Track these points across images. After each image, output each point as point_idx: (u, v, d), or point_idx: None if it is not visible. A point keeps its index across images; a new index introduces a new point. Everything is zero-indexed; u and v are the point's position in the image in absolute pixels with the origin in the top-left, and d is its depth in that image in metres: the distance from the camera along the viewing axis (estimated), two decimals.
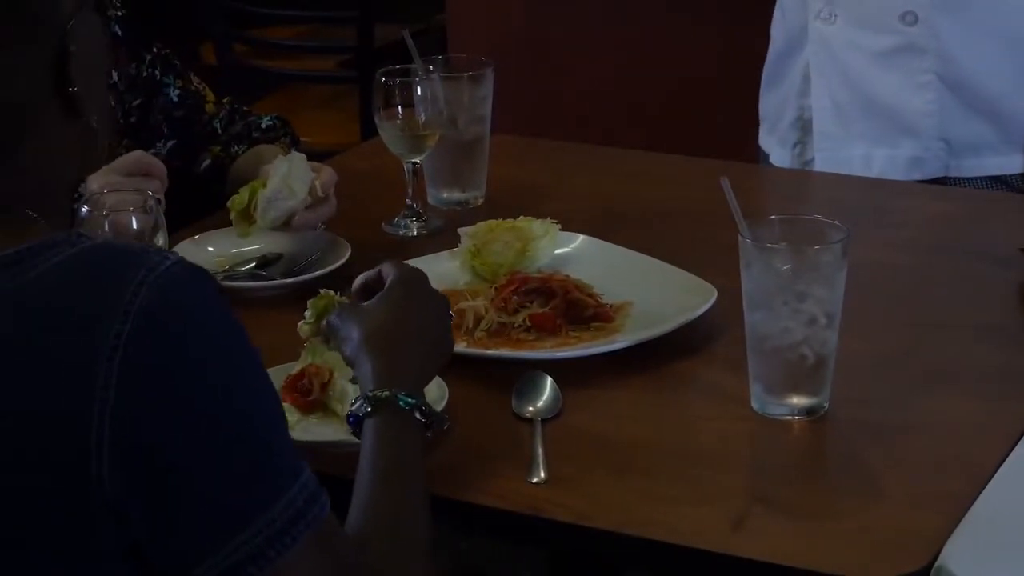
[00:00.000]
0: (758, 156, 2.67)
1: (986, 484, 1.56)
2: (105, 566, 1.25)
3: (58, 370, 1.22)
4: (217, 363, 1.26)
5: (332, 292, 1.72)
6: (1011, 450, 1.63)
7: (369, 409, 1.50)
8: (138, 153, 2.08)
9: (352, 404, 1.53)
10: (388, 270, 1.66)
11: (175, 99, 2.31)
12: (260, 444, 1.28)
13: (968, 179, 2.47)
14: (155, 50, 2.31)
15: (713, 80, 3.52)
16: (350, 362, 1.60)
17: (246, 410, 1.27)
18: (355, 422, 1.51)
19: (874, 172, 2.47)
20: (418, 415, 1.52)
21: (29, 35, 1.31)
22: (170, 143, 2.31)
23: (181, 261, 1.27)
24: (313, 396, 1.73)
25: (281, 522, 1.27)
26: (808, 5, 2.49)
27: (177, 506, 1.24)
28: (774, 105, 2.62)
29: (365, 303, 1.63)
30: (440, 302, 1.67)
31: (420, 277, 1.67)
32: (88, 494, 1.22)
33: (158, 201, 1.90)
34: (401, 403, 1.51)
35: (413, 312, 1.62)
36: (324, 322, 1.66)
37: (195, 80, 2.36)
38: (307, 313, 1.70)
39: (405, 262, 1.70)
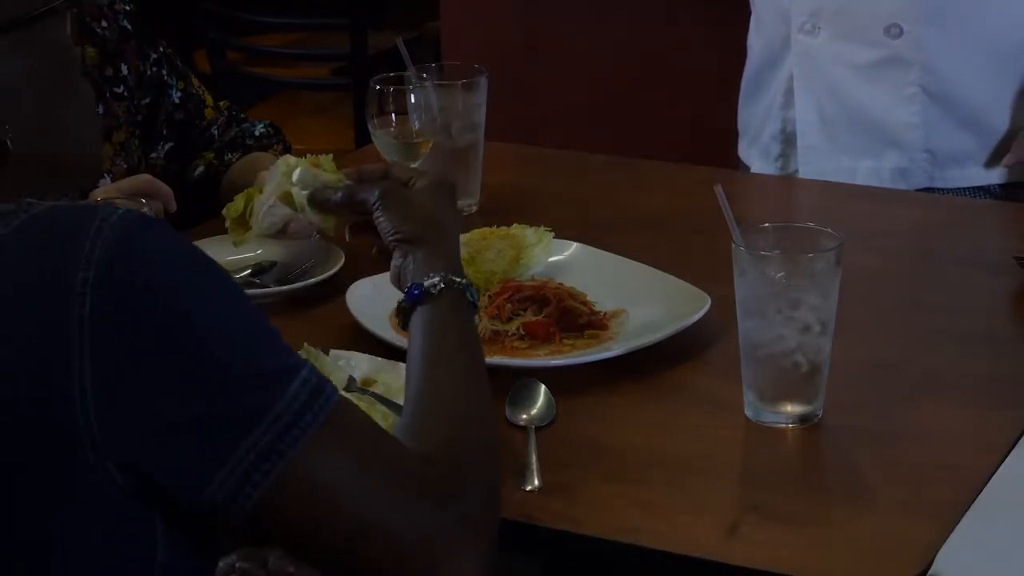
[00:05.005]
0: (739, 167, 2.68)
1: (979, 492, 1.56)
2: (109, 507, 1.26)
3: (32, 326, 1.24)
4: (184, 288, 1.27)
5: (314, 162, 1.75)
6: (1004, 458, 1.63)
7: (442, 286, 1.53)
8: (146, 177, 2.09)
9: (414, 279, 1.54)
10: (400, 171, 1.69)
11: (176, 101, 2.32)
12: (244, 354, 1.28)
13: (952, 189, 2.47)
14: (161, 49, 2.31)
15: (706, 87, 3.52)
16: (407, 237, 1.60)
17: (222, 326, 1.28)
18: (419, 293, 1.53)
19: (858, 184, 2.47)
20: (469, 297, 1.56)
21: None
22: (168, 145, 2.31)
23: (131, 210, 1.29)
24: None
25: (288, 416, 1.27)
26: (791, 18, 2.49)
27: (171, 435, 1.25)
28: (755, 117, 2.63)
29: (414, 189, 1.66)
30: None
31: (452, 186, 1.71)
32: (77, 442, 1.23)
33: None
34: (468, 295, 1.55)
35: (454, 211, 1.67)
36: (347, 195, 1.69)
37: (196, 83, 2.37)
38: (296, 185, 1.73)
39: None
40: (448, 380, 1.47)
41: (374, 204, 1.65)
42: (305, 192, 1.85)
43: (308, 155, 1.93)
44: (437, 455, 1.37)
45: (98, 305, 1.23)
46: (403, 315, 1.55)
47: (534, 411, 1.73)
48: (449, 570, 1.32)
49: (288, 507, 1.28)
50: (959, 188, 2.47)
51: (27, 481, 1.25)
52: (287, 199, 1.96)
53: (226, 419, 1.26)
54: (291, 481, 1.27)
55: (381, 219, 1.64)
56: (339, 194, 1.74)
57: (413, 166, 2.20)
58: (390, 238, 1.63)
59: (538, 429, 1.70)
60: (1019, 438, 1.66)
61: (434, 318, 1.52)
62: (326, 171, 1.89)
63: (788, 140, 2.56)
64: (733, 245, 1.69)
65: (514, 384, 1.75)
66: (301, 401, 1.28)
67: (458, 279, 1.55)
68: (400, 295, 1.59)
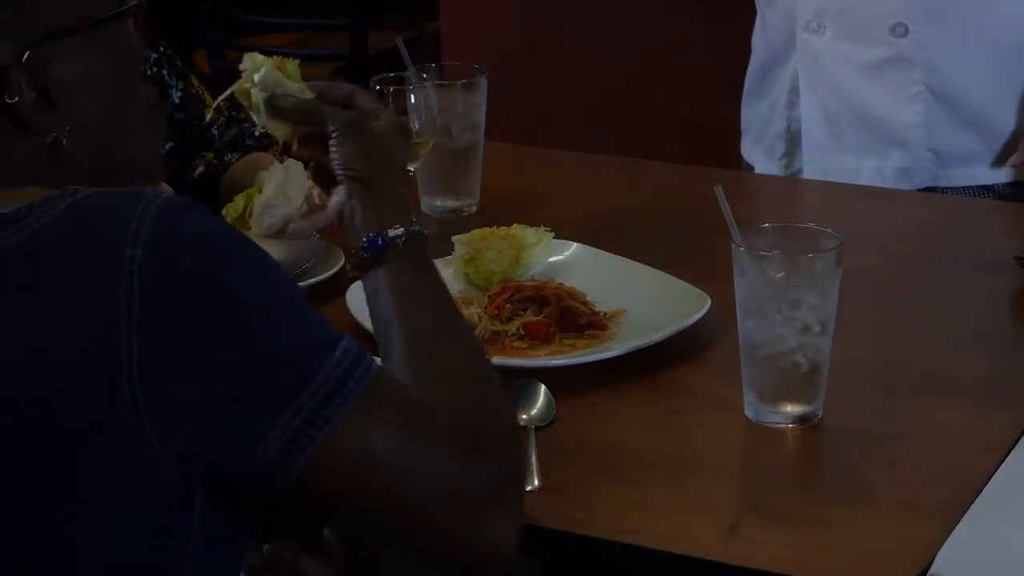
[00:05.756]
0: (741, 166, 2.68)
1: (979, 492, 1.56)
2: (149, 485, 1.28)
3: (81, 304, 1.26)
4: (227, 268, 1.30)
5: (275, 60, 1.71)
6: (1004, 458, 1.63)
7: (405, 237, 1.52)
8: None
9: (369, 227, 1.53)
10: (365, 104, 1.65)
11: (176, 100, 2.32)
12: (286, 329, 1.31)
13: (956, 189, 2.47)
14: (161, 49, 2.31)
15: (706, 87, 3.52)
16: (362, 177, 1.57)
17: (265, 303, 1.31)
18: (384, 244, 1.52)
19: (862, 183, 2.47)
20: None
21: None
22: (168, 145, 2.31)
23: (174, 195, 1.33)
24: None
25: (331, 384, 1.30)
26: (796, 17, 2.49)
27: (217, 408, 1.27)
28: (758, 116, 2.62)
29: (376, 126, 1.62)
30: None
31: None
32: (124, 419, 1.26)
33: None
34: (423, 239, 1.55)
35: (406, 159, 1.65)
36: (307, 108, 1.64)
37: (196, 83, 2.37)
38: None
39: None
40: (442, 334, 1.48)
41: (335, 131, 1.61)
42: (265, 94, 1.76)
43: (275, 55, 1.82)
44: (461, 416, 1.38)
45: (145, 284, 1.26)
46: (362, 265, 1.53)
47: (534, 411, 1.73)
48: (491, 526, 1.35)
49: (332, 474, 1.30)
50: (963, 187, 2.47)
51: (72, 458, 1.27)
52: (244, 95, 1.81)
53: (271, 390, 1.29)
54: (335, 447, 1.30)
55: (338, 150, 1.60)
56: (301, 105, 1.67)
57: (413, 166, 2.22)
58: (344, 172, 1.59)
59: (538, 429, 1.70)
60: (1019, 438, 1.66)
61: (403, 271, 1.52)
62: (290, 78, 1.78)
63: (793, 139, 2.56)
64: (733, 245, 1.69)
65: (514, 384, 1.75)
66: (343, 369, 1.31)
67: (416, 228, 1.54)
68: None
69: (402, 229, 1.53)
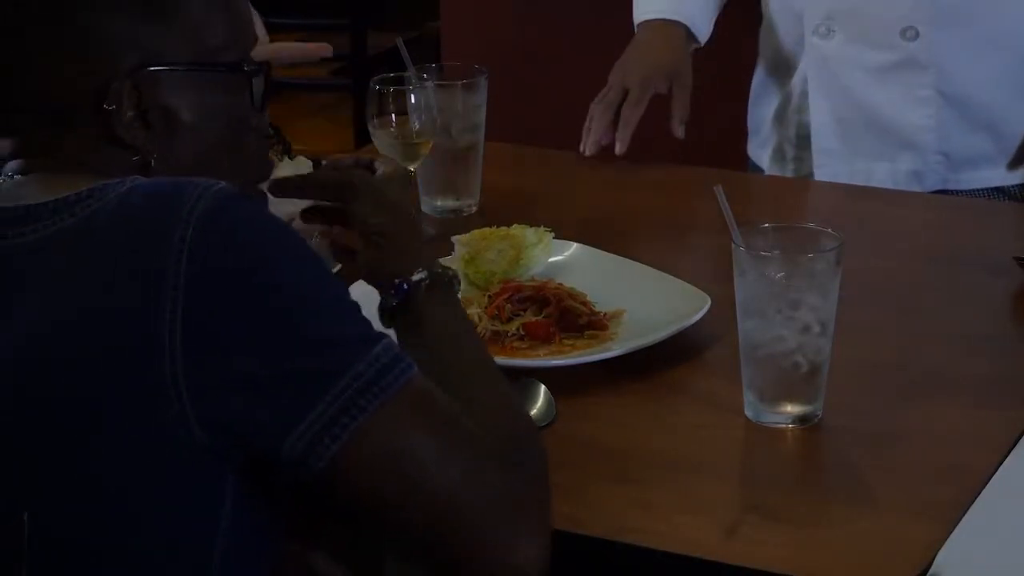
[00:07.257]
0: (747, 165, 2.68)
1: (980, 492, 1.57)
2: (181, 465, 1.30)
3: (133, 279, 1.29)
4: (275, 253, 1.32)
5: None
6: (1004, 458, 1.63)
7: (429, 280, 1.52)
8: None
9: (396, 273, 1.53)
10: (383, 163, 1.67)
11: None
12: (330, 317, 1.33)
13: (967, 191, 2.47)
14: None
15: (707, 87, 3.51)
16: (385, 230, 1.58)
17: (311, 291, 1.33)
18: (408, 288, 1.52)
19: (873, 186, 2.47)
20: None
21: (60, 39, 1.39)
22: None
23: (228, 185, 1.35)
24: None
25: (370, 375, 1.31)
26: (805, 20, 2.49)
27: (257, 388, 1.29)
28: (765, 119, 2.62)
29: (381, 178, 1.63)
30: None
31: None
32: (164, 394, 1.27)
33: None
34: (452, 283, 1.55)
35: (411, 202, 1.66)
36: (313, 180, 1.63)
37: None
38: None
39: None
40: (473, 368, 1.48)
41: (350, 193, 1.61)
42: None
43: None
44: (499, 433, 1.38)
45: (194, 262, 1.28)
46: (392, 312, 1.53)
47: (534, 411, 1.73)
48: (521, 540, 1.34)
49: (363, 467, 1.30)
50: (975, 190, 2.47)
51: (111, 430, 1.28)
52: None
53: (310, 373, 1.30)
54: (368, 439, 1.30)
55: (355, 210, 1.60)
56: (307, 180, 1.67)
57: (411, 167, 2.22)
58: (365, 229, 1.59)
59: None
60: (1019, 438, 1.67)
61: (432, 312, 1.52)
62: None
63: (803, 143, 2.56)
64: (733, 245, 1.69)
65: (514, 384, 1.75)
66: (383, 363, 1.32)
67: (439, 270, 1.55)
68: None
69: (425, 272, 1.53)
